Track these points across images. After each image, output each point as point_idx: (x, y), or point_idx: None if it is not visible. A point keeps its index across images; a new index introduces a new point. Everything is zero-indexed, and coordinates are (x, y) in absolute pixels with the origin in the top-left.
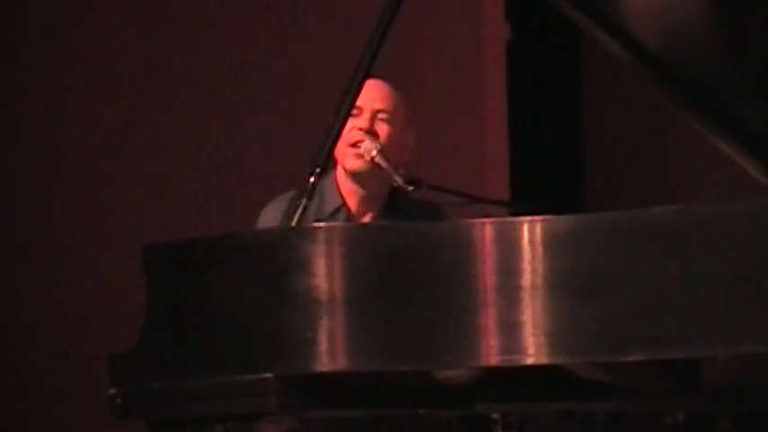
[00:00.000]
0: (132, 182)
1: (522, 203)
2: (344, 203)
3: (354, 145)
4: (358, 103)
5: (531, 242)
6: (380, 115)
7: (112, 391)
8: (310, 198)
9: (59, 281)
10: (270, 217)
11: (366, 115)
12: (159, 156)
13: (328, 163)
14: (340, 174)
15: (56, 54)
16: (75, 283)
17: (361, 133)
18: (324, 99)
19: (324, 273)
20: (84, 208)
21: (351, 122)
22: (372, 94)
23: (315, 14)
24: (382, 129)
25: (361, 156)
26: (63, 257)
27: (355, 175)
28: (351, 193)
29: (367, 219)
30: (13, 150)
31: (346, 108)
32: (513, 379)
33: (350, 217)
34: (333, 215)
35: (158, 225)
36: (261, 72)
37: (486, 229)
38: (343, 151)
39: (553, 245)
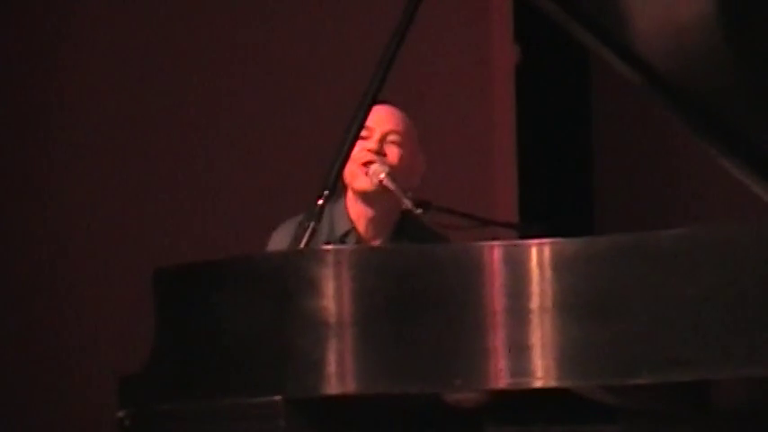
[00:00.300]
0: (140, 197)
1: (531, 226)
2: (354, 227)
3: (364, 164)
4: (368, 124)
5: (540, 265)
6: (390, 137)
7: (121, 413)
8: (319, 220)
9: (67, 303)
10: (280, 240)
11: (376, 137)
12: (167, 172)
13: (337, 185)
14: (350, 198)
15: (54, 67)
16: (83, 304)
17: (370, 154)
18: (334, 115)
19: (332, 295)
20: (92, 226)
21: (360, 144)
22: (382, 117)
23: (321, 29)
24: (392, 151)
25: (366, 176)
26: (70, 281)
27: (364, 196)
28: (360, 217)
29: (376, 242)
30: (18, 168)
31: (355, 130)
32: (522, 401)
33: (360, 241)
34: (342, 239)
35: (167, 244)
36: (271, 83)
37: (494, 252)
38: (352, 171)
39: (561, 267)
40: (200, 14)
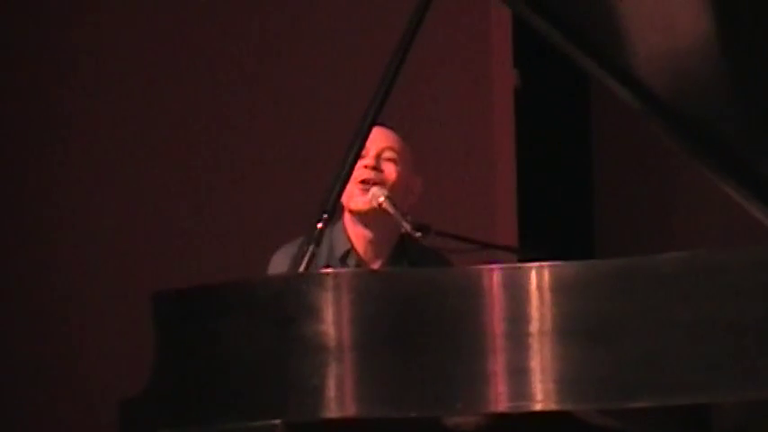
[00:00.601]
0: (143, 212)
1: (531, 250)
2: (353, 248)
3: (362, 182)
4: None
5: (540, 288)
6: (386, 154)
7: None
8: (318, 244)
9: (67, 329)
10: (280, 262)
11: (372, 154)
12: (172, 186)
13: (336, 209)
14: (347, 219)
15: (48, 72)
16: (83, 328)
17: (368, 171)
18: (337, 137)
19: (332, 319)
20: (93, 247)
21: (358, 164)
22: (376, 136)
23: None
24: (389, 168)
25: (366, 197)
26: (70, 306)
27: (360, 217)
28: (359, 238)
29: (376, 264)
30: (18, 180)
31: (354, 154)
32: (522, 425)
33: (359, 261)
34: (342, 260)
35: (170, 265)
36: (274, 103)
37: (494, 276)
38: (348, 190)
39: (561, 291)
40: (199, 36)
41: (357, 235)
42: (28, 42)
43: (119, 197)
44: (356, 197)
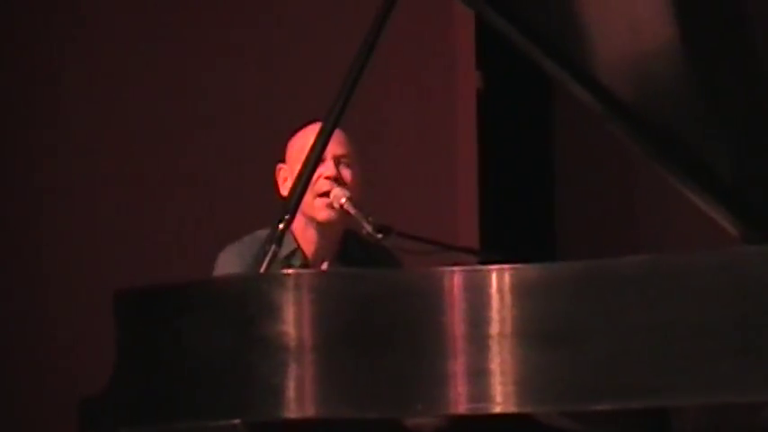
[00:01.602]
0: (114, 212)
1: (492, 252)
2: (299, 247)
3: (323, 195)
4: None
5: (500, 290)
6: (343, 160)
7: None
8: (279, 245)
9: (33, 325)
10: (226, 262)
11: (330, 163)
12: (145, 187)
13: (297, 210)
14: (297, 221)
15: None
16: (47, 324)
17: (328, 182)
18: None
19: (293, 319)
20: (62, 244)
21: (316, 171)
22: (333, 141)
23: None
24: (346, 173)
25: (330, 206)
26: (34, 301)
27: (325, 225)
28: (308, 240)
29: (324, 264)
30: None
31: (317, 154)
32: (482, 427)
33: (305, 261)
34: (287, 259)
35: (136, 265)
36: (240, 103)
37: (455, 278)
38: (310, 203)
39: (522, 293)
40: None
41: (307, 238)
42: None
43: (89, 195)
44: (321, 209)
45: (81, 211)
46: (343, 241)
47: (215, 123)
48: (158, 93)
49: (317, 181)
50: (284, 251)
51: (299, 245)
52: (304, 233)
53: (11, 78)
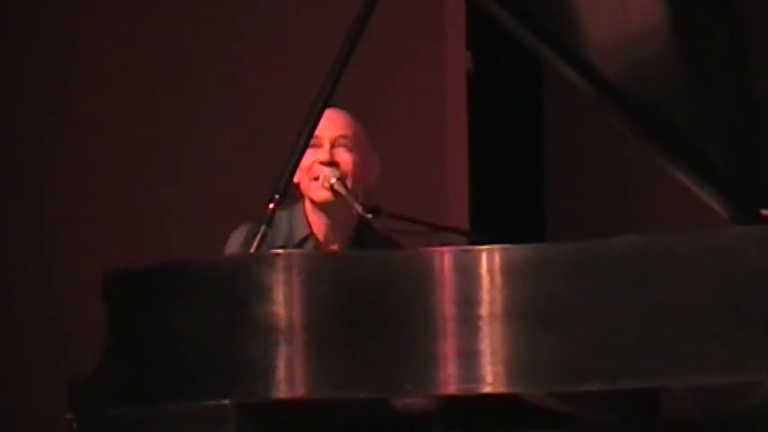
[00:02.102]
0: (105, 199)
1: (482, 233)
2: (312, 233)
3: (316, 179)
4: (317, 133)
5: (490, 271)
6: (341, 141)
7: (69, 416)
8: (270, 224)
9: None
10: (238, 240)
11: (326, 146)
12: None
13: (288, 190)
14: (307, 204)
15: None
16: (35, 305)
17: (322, 167)
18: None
19: (283, 300)
20: (50, 227)
21: (312, 154)
22: (330, 123)
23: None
24: (344, 156)
25: (327, 188)
26: (24, 277)
27: (323, 206)
28: (318, 224)
29: (334, 248)
30: None
31: (306, 135)
32: (472, 408)
33: (318, 247)
34: (300, 245)
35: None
36: (233, 85)
37: (445, 258)
38: (307, 185)
39: (512, 274)
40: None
41: (317, 221)
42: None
43: (75, 176)
44: (317, 191)
45: (73, 195)
46: (358, 231)
47: (215, 108)
48: (157, 81)
49: (311, 166)
50: (297, 236)
51: (312, 230)
52: (315, 219)
53: (8, 57)
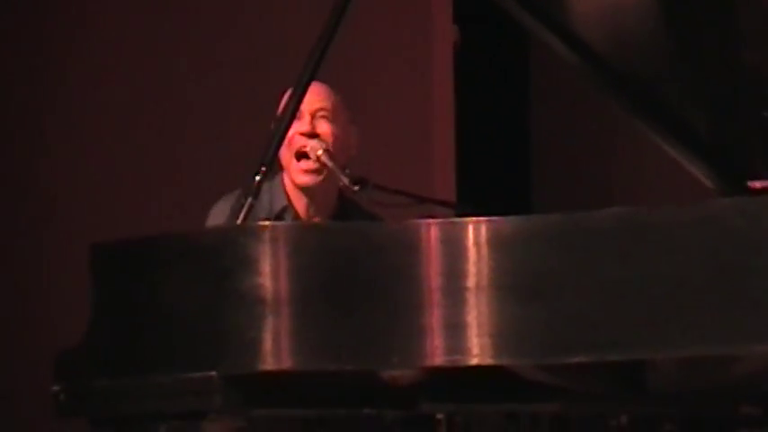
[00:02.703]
0: (97, 176)
1: (468, 204)
2: (290, 204)
3: (300, 156)
4: None
5: (477, 243)
6: (320, 113)
7: (56, 387)
8: (256, 196)
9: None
10: (219, 215)
11: (306, 118)
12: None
13: (274, 162)
14: (287, 176)
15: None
16: (20, 278)
17: (304, 139)
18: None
19: (269, 272)
20: (36, 205)
21: (293, 126)
22: (310, 96)
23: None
24: (323, 127)
25: (308, 171)
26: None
27: (303, 189)
28: (298, 197)
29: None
30: None
31: (292, 108)
32: (458, 380)
33: (297, 217)
34: (280, 215)
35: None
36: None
37: (431, 230)
38: (288, 162)
39: (498, 246)
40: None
41: (298, 195)
42: None
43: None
44: (298, 173)
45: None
46: (339, 205)
47: (203, 88)
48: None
49: (293, 138)
50: (277, 206)
51: (290, 201)
52: (294, 191)
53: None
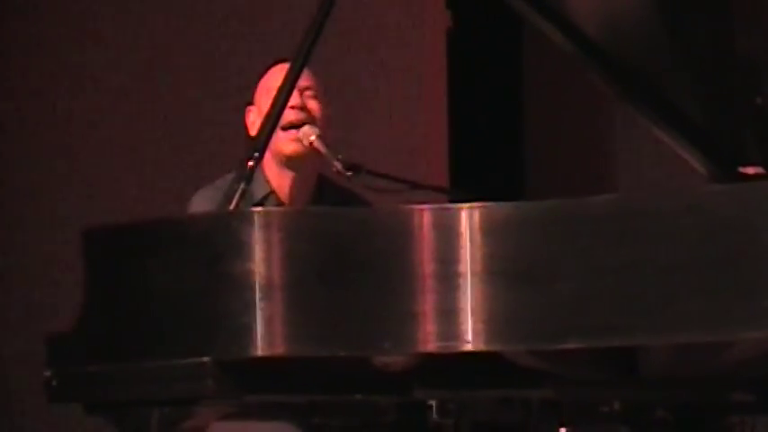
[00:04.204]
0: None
1: (461, 190)
2: (272, 191)
3: (290, 126)
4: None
5: (470, 229)
6: (308, 92)
7: (48, 373)
8: (248, 182)
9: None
10: (198, 206)
11: (295, 93)
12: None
13: (266, 148)
14: (268, 162)
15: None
16: (11, 262)
17: (295, 112)
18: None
19: (262, 257)
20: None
21: None
22: None
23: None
24: (312, 104)
25: (297, 140)
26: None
27: (291, 160)
28: (283, 181)
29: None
30: None
31: (285, 92)
32: (451, 365)
33: (279, 204)
34: (261, 202)
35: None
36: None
37: (424, 216)
38: (277, 136)
39: (491, 232)
40: None
41: (281, 178)
42: None
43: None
44: (286, 142)
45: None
46: (318, 186)
47: (191, 64)
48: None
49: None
50: (258, 194)
51: (272, 188)
52: (277, 176)
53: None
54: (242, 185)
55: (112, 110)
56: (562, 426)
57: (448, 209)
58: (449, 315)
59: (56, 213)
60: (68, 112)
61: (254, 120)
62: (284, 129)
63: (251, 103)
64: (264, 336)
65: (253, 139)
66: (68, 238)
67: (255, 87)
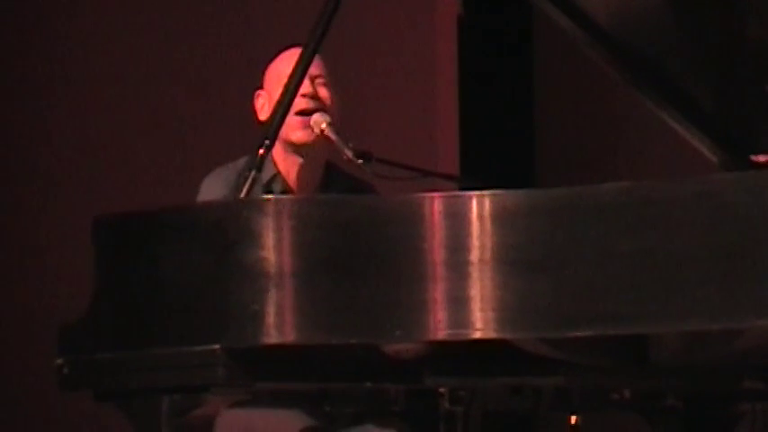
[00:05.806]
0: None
1: (472, 178)
2: (279, 173)
3: (300, 113)
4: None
5: (480, 217)
6: (319, 80)
7: (59, 361)
8: (260, 170)
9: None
10: (209, 190)
11: (306, 81)
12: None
13: (278, 135)
14: (276, 146)
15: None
16: (23, 250)
17: (306, 100)
18: None
19: (273, 245)
20: (39, 180)
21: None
22: None
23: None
24: (324, 92)
25: (308, 127)
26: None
27: (300, 147)
28: (290, 166)
29: (303, 193)
30: None
31: (296, 80)
32: (461, 353)
33: (285, 187)
34: (267, 185)
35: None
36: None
37: (435, 204)
38: (289, 123)
39: (502, 220)
40: None
41: (289, 163)
42: None
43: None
44: (298, 130)
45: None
46: (326, 172)
47: (195, 53)
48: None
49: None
50: (265, 176)
51: (279, 171)
52: (284, 160)
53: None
54: (253, 173)
55: (122, 100)
56: (573, 413)
57: (458, 197)
58: (459, 303)
59: (70, 202)
60: (82, 103)
61: (263, 104)
62: (296, 114)
63: (260, 87)
64: (275, 323)
65: (262, 123)
66: (76, 226)
67: (264, 71)
